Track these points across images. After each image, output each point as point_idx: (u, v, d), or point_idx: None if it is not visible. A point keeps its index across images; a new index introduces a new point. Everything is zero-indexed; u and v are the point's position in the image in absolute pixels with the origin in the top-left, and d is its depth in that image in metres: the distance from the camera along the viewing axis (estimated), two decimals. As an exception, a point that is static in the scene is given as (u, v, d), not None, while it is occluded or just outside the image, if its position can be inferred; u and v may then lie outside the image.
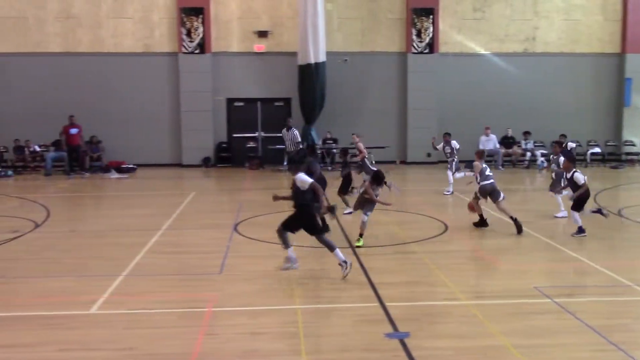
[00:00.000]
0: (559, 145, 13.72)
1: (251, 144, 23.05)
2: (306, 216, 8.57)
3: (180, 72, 22.32)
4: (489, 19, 23.49)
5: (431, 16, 22.93)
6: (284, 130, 20.20)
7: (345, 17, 23.11)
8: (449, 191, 16.02)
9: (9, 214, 13.77)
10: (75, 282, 8.56)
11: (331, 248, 8.62)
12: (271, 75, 22.85)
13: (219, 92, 22.79)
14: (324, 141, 22.59)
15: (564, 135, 18.24)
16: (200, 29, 22.25)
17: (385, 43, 23.24)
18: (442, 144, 16.89)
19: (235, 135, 23.18)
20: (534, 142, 23.05)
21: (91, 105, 21.93)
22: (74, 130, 20.94)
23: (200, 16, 22.20)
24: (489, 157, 21.80)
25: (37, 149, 21.58)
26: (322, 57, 21.91)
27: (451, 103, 23.09)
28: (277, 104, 23.34)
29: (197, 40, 22.28)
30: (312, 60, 21.75)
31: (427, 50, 23.02)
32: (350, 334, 6.59)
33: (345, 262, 8.53)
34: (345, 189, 13.30)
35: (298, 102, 22.45)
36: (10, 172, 20.69)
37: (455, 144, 16.51)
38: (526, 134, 22.91)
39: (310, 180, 8.48)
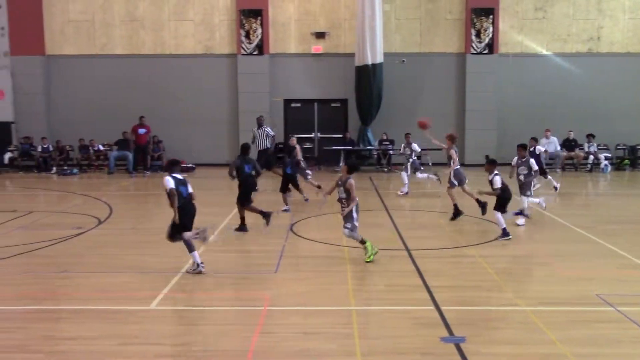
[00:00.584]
0: (522, 149, 12.73)
1: (307, 145, 23.18)
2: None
3: (239, 73, 22.63)
4: (551, 19, 22.92)
5: (491, 16, 22.55)
6: (255, 129, 19.54)
7: (403, 18, 22.96)
8: (402, 191, 16.19)
9: (73, 210, 14.25)
10: (136, 278, 8.78)
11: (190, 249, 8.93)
12: (328, 77, 22.92)
13: (277, 93, 23.01)
14: (380, 142, 22.50)
15: (534, 139, 17.26)
16: (259, 31, 22.51)
17: (444, 44, 22.98)
18: (403, 144, 16.97)
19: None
20: (598, 145, 22.35)
21: (152, 105, 22.49)
22: (142, 131, 21.58)
23: (259, 18, 22.47)
24: (550, 160, 21.31)
25: (101, 148, 22.27)
26: (379, 58, 21.84)
27: (511, 105, 22.66)
28: (333, 105, 23.40)
29: (255, 42, 22.55)
30: (369, 62, 21.71)
31: (486, 51, 22.65)
32: (406, 336, 6.54)
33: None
34: (284, 187, 14.20)
35: (355, 103, 22.44)
36: (75, 171, 21.44)
37: (415, 146, 16.67)
38: (589, 136, 22.23)
39: (169, 185, 8.83)
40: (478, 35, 22.61)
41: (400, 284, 8.42)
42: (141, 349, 6.26)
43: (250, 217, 11.97)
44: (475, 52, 22.63)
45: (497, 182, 11.24)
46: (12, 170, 21.66)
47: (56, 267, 9.32)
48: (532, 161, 12.45)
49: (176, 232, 9.00)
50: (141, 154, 21.64)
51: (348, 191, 9.41)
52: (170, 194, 8.81)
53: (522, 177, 12.46)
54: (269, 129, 19.55)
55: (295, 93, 23.18)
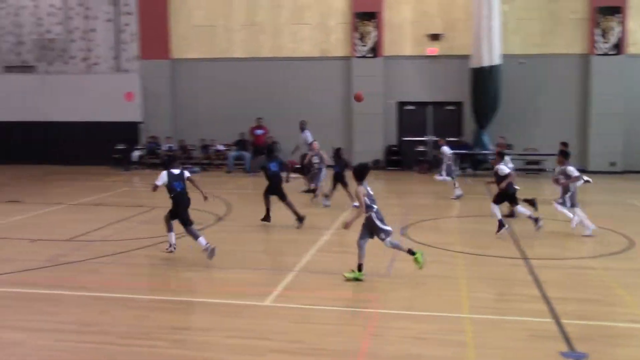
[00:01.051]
0: (563, 156, 11.82)
1: (421, 148, 22.96)
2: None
3: (353, 75, 22.79)
4: (688, 16, 21.32)
5: (618, 15, 21.30)
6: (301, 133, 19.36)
7: (522, 18, 22.19)
8: (456, 194, 15.95)
9: (194, 207, 14.89)
10: (251, 274, 9.08)
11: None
12: (443, 79, 22.58)
13: (390, 95, 22.95)
14: (497, 146, 21.84)
15: (564, 144, 15.76)
16: (373, 33, 22.57)
17: (566, 44, 21.97)
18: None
19: (405, 138, 23.22)
20: None
21: (269, 107, 23.11)
22: (259, 132, 22.29)
23: (374, 20, 22.52)
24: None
25: (221, 148, 23.17)
26: (496, 60, 21.23)
27: (640, 108, 21.31)
28: (448, 107, 23.02)
29: (370, 45, 22.62)
30: (486, 64, 21.15)
31: (613, 52, 21.42)
32: (523, 348, 6.33)
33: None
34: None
35: (470, 106, 21.96)
36: (196, 169, 22.42)
37: (446, 149, 16.44)
38: None
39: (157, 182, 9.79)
40: (604, 35, 21.43)
41: (517, 294, 8.15)
42: (255, 343, 6.46)
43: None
44: (600, 53, 21.47)
45: (503, 170, 11.33)
46: (139, 168, 23.01)
47: (177, 261, 9.81)
48: (571, 168, 11.51)
49: (171, 218, 10.00)
50: (258, 155, 22.29)
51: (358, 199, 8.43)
52: (153, 189, 9.95)
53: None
54: (308, 134, 19.34)
55: (409, 95, 23.02)
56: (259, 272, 9.20)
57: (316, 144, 16.06)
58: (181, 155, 23.06)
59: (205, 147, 23.31)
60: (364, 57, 22.68)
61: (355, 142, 22.92)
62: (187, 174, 10.20)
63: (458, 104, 22.76)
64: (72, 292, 8.18)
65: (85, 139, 23.82)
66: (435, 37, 22.50)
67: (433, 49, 22.55)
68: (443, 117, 22.92)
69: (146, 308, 7.61)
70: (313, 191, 15.47)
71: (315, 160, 15.63)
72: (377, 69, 22.67)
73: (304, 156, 16.13)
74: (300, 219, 12.29)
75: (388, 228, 8.52)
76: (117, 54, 24.35)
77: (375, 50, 22.62)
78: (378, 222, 8.47)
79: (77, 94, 24.18)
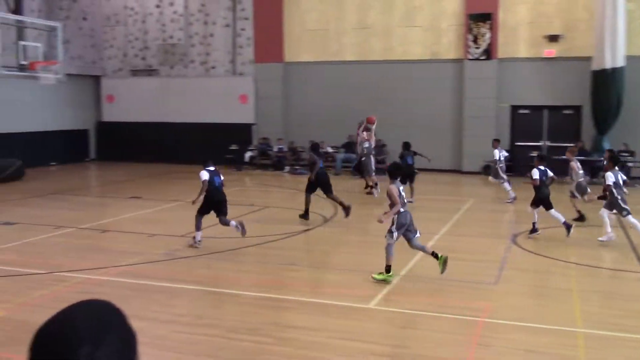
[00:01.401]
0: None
1: (535, 153, 22.05)
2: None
3: (465, 78, 22.34)
4: None
5: None
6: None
7: (651, 17, 20.84)
8: (511, 197, 15.95)
9: (302, 208, 15.18)
10: (357, 276, 9.11)
11: None
12: (560, 82, 21.63)
13: (504, 98, 22.28)
14: (619, 153, 20.63)
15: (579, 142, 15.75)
16: (487, 35, 22.00)
17: (700, 44, 20.41)
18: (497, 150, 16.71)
19: (518, 143, 22.45)
20: None
21: (378, 110, 23.01)
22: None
23: (488, 22, 21.95)
24: None
25: (330, 150, 23.43)
26: (620, 62, 20.06)
27: None
28: (565, 112, 22.01)
29: (483, 47, 22.08)
30: (609, 66, 20.05)
31: None
32: (640, 368, 5.97)
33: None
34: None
35: (590, 110, 20.89)
36: (305, 171, 22.80)
37: (496, 152, 16.65)
38: None
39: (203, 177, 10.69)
40: None
41: (637, 310, 7.67)
42: (358, 345, 6.49)
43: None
44: None
45: (534, 174, 11.62)
46: (251, 168, 23.74)
47: (286, 260, 10.04)
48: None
49: (206, 212, 10.84)
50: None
51: (389, 198, 8.55)
52: (203, 185, 10.69)
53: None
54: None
55: (524, 99, 22.23)
56: (365, 274, 9.23)
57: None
58: (290, 157, 23.58)
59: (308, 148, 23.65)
60: (477, 59, 22.17)
61: (465, 146, 22.45)
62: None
63: (576, 108, 21.72)
64: (186, 285, 8.58)
65: (200, 140, 24.88)
66: (553, 39, 21.59)
67: (550, 50, 21.67)
68: (559, 122, 21.95)
69: (254, 305, 7.84)
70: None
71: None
72: (491, 72, 22.08)
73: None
74: (346, 208, 13.23)
75: (395, 234, 8.62)
76: (233, 58, 25.25)
77: (488, 53, 22.05)
78: (395, 226, 8.63)
79: (195, 97, 25.33)
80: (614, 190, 10.86)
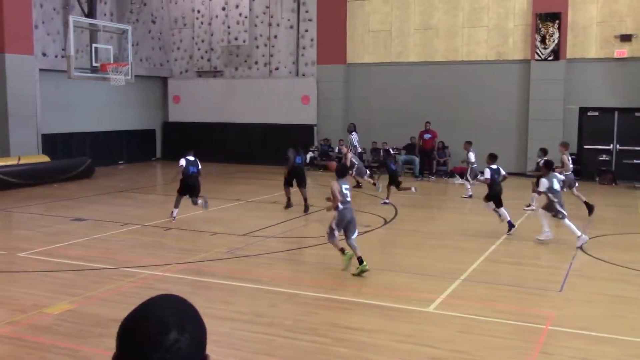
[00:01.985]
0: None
1: (604, 157, 21.36)
2: None
3: (531, 79, 21.80)
4: None
5: None
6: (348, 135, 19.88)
7: None
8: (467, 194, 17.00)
9: (363, 209, 15.19)
10: (416, 279, 9.05)
11: None
12: (632, 83, 20.82)
13: (572, 100, 21.63)
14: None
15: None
16: (556, 35, 21.40)
17: None
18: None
19: (586, 146, 21.75)
20: None
21: (440, 111, 22.85)
22: (427, 136, 22.15)
23: (557, 22, 21.35)
24: None
25: (391, 151, 23.26)
26: (698, 62, 19.17)
27: None
28: (638, 114, 21.18)
29: (551, 47, 21.50)
30: (686, 66, 19.19)
31: None
32: None
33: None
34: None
35: (664, 112, 20.05)
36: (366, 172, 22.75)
37: (471, 155, 17.81)
38: None
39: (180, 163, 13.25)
40: None
41: None
42: (416, 348, 6.43)
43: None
44: None
45: (486, 173, 12.79)
46: (312, 169, 23.85)
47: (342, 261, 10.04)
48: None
49: (183, 194, 13.20)
50: (427, 159, 22.16)
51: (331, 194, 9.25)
52: (178, 169, 13.28)
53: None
54: (354, 137, 19.79)
55: (593, 101, 21.51)
56: (424, 277, 9.15)
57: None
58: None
59: (375, 150, 23.57)
60: (544, 60, 21.60)
61: (531, 149, 21.86)
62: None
63: (649, 110, 20.87)
64: (246, 284, 8.71)
65: (262, 140, 25.21)
66: (625, 38, 20.81)
67: (622, 50, 20.89)
68: (631, 124, 21.12)
69: (313, 305, 7.89)
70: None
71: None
72: (558, 73, 21.47)
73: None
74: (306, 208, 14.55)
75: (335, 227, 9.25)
76: (296, 59, 25.46)
77: (557, 53, 21.44)
78: (335, 220, 9.19)
79: (258, 98, 25.68)
80: (550, 195, 11.38)
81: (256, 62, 26.17)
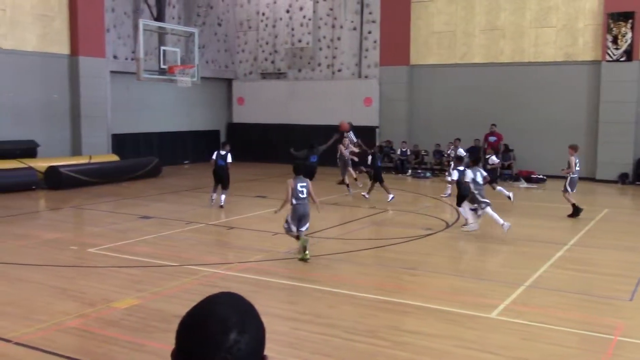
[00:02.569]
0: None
1: (679, 162, 20.44)
2: None
3: (602, 81, 21.08)
4: None
5: None
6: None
7: None
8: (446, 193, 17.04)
9: (424, 212, 15.05)
10: (478, 285, 8.89)
11: None
12: None
13: (645, 103, 20.80)
14: None
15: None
16: (629, 35, 20.62)
17: None
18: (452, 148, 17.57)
19: (660, 151, 20.87)
20: None
21: (506, 113, 22.39)
22: (492, 138, 21.71)
23: (630, 21, 20.57)
24: None
25: (453, 153, 22.95)
26: None
27: None
28: None
29: (623, 47, 20.73)
30: None
31: None
32: None
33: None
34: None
35: None
36: (428, 174, 22.55)
37: (461, 151, 17.58)
38: None
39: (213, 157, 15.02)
40: None
41: None
42: (478, 355, 6.32)
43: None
44: None
45: (454, 175, 13.29)
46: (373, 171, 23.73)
47: (406, 264, 9.98)
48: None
49: (215, 183, 14.76)
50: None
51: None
52: (211, 162, 14.98)
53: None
54: (352, 135, 19.49)
55: (669, 103, 20.62)
56: (487, 282, 8.98)
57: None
58: (413, 160, 23.37)
59: (438, 153, 23.30)
60: (616, 61, 20.86)
61: (600, 153, 21.18)
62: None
63: None
64: (306, 284, 8.77)
65: (325, 141, 25.24)
66: None
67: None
68: None
69: (372, 307, 7.87)
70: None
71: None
72: (631, 74, 20.67)
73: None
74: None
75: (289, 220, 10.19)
76: (359, 61, 25.45)
77: (629, 54, 20.66)
78: (290, 214, 10.13)
79: (321, 99, 25.80)
80: (472, 186, 12.14)
81: (319, 64, 26.31)
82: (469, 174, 12.31)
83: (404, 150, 23.52)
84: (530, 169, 21.60)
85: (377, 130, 24.92)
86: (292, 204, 10.05)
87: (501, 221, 11.90)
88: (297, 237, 10.21)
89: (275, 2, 26.87)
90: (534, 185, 20.44)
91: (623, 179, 20.82)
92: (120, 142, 22.54)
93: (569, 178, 14.50)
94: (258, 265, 9.82)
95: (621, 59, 20.76)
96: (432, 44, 23.98)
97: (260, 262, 10.02)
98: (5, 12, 19.00)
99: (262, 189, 18.31)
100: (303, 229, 10.18)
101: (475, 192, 12.21)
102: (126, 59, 22.86)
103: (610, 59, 20.91)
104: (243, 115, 27.91)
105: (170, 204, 15.87)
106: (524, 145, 22.09)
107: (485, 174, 12.85)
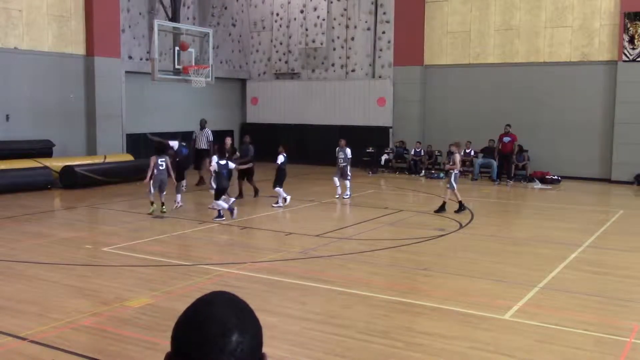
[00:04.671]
0: None
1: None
2: None
3: (618, 81, 20.88)
4: None
5: None
6: (198, 129, 19.93)
7: None
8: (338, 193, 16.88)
9: (440, 213, 14.98)
10: (492, 286, 8.84)
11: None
12: None
13: (662, 103, 20.59)
14: None
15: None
16: (646, 35, 20.42)
17: None
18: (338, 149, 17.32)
19: (678, 151, 20.64)
20: None
21: (521, 114, 22.26)
22: (506, 139, 21.56)
23: (647, 21, 20.37)
24: None
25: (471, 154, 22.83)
26: None
27: None
28: None
29: (640, 47, 20.53)
30: None
31: None
32: None
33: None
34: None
35: None
36: (442, 175, 22.42)
37: (348, 151, 17.07)
38: None
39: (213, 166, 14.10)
40: None
41: None
42: (492, 356, 6.28)
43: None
44: None
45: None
46: (386, 171, 23.74)
47: (419, 264, 9.95)
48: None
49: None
50: (505, 163, 21.57)
51: None
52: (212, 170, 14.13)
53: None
54: (209, 132, 19.69)
55: (686, 104, 20.40)
56: (500, 283, 8.93)
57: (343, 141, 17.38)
58: (427, 161, 23.29)
59: (452, 154, 23.11)
60: (633, 61, 20.66)
61: (616, 154, 20.99)
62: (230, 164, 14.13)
63: None
64: (319, 284, 8.76)
65: (338, 142, 25.21)
66: None
67: None
68: None
69: (386, 307, 7.84)
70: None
71: (341, 156, 17.13)
72: (648, 74, 20.48)
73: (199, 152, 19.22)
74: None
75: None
76: (373, 61, 25.41)
77: (646, 54, 20.46)
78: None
79: (334, 99, 25.79)
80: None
81: (333, 64, 26.30)
82: (214, 164, 13.76)
83: (417, 150, 23.43)
84: (544, 169, 21.45)
85: (391, 130, 24.87)
86: (154, 174, 13.52)
87: (225, 205, 13.39)
88: (152, 203, 13.73)
89: (289, 3, 26.90)
90: (549, 186, 20.30)
91: (639, 180, 20.62)
92: (134, 142, 22.65)
93: (453, 174, 14.78)
94: (271, 265, 9.83)
95: (638, 59, 20.56)
96: (446, 44, 23.89)
97: (273, 261, 10.03)
98: (21, 13, 19.17)
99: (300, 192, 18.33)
100: (164, 193, 13.84)
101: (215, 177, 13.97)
102: (141, 59, 22.98)
103: (627, 59, 20.72)
104: (257, 115, 27.96)
105: (185, 203, 15.92)
106: (539, 146, 21.94)
107: (232, 166, 14.16)
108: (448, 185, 14.94)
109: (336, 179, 17.03)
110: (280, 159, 15.67)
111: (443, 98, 23.91)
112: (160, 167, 13.59)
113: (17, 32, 19.14)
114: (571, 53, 21.86)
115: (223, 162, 13.64)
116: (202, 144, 19.98)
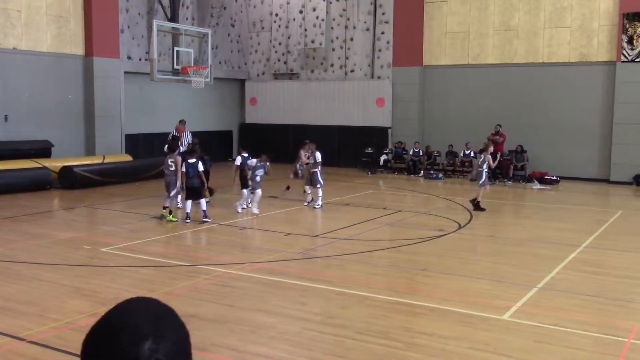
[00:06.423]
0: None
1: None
2: None
3: (617, 82, 20.91)
4: None
5: None
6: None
7: None
8: (308, 200, 15.78)
9: (436, 213, 15.00)
10: (491, 286, 8.85)
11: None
12: None
13: (661, 104, 20.61)
14: None
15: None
16: (645, 35, 20.44)
17: None
18: (308, 154, 16.07)
19: (676, 152, 20.65)
20: None
21: (520, 114, 22.28)
22: (497, 138, 21.52)
23: (646, 21, 20.39)
24: None
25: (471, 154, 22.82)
26: None
27: None
28: None
29: (639, 48, 20.55)
30: None
31: None
32: None
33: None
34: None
35: None
36: (440, 175, 22.45)
37: (318, 155, 15.65)
38: None
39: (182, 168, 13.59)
40: None
41: None
42: (491, 357, 6.28)
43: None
44: None
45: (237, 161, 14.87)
46: (385, 171, 23.75)
47: (418, 265, 9.95)
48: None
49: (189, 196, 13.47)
50: (499, 162, 21.47)
51: None
52: (181, 173, 13.39)
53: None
54: (189, 135, 18.82)
55: (685, 104, 20.40)
56: (499, 284, 8.94)
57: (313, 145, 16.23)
58: (425, 161, 23.30)
59: (451, 154, 23.19)
60: (631, 61, 20.68)
61: (615, 155, 21.00)
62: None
63: None
64: (318, 285, 8.76)
65: (337, 142, 25.29)
66: None
67: None
68: None
69: (385, 308, 7.84)
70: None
71: (311, 160, 15.87)
72: (646, 75, 20.50)
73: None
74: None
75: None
76: (372, 62, 25.42)
77: (645, 54, 20.48)
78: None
79: (333, 100, 25.79)
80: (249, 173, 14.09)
81: (332, 65, 26.30)
82: (238, 160, 14.39)
83: (416, 150, 23.44)
84: (543, 169, 21.46)
85: (390, 130, 24.87)
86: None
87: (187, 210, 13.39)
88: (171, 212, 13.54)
89: (288, 3, 26.90)
90: (548, 187, 20.31)
91: (638, 180, 20.64)
92: (133, 142, 22.65)
93: (484, 173, 15.26)
94: (270, 265, 9.83)
95: (636, 60, 20.59)
96: (445, 45, 23.91)
97: (272, 262, 10.03)
98: (20, 13, 19.17)
99: (274, 190, 18.31)
100: (172, 194, 13.62)
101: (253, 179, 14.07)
102: (140, 59, 22.98)
103: (626, 60, 20.74)
104: (256, 115, 27.96)
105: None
106: (538, 147, 21.95)
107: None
108: (480, 183, 15.33)
109: (307, 187, 15.87)
110: (239, 160, 14.82)
111: (442, 98, 23.92)
112: (171, 168, 13.46)
113: (16, 32, 19.13)
114: (570, 53, 21.88)
115: (192, 160, 13.29)
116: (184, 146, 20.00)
